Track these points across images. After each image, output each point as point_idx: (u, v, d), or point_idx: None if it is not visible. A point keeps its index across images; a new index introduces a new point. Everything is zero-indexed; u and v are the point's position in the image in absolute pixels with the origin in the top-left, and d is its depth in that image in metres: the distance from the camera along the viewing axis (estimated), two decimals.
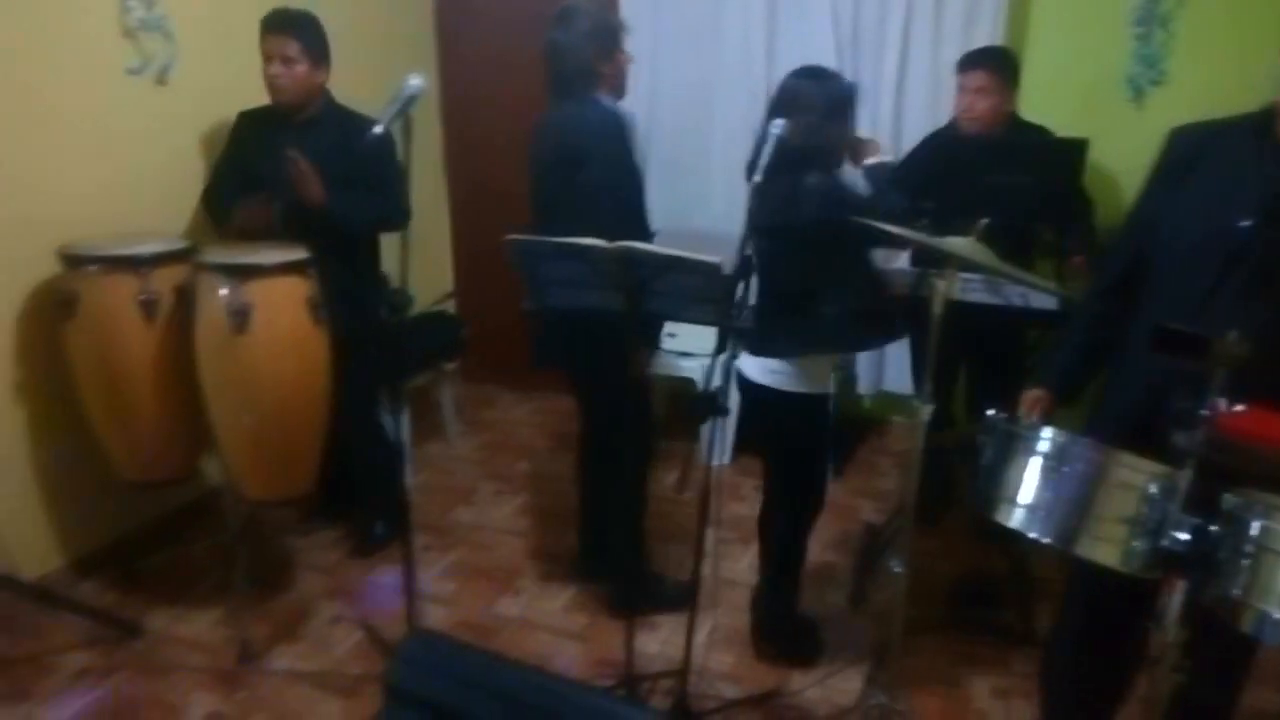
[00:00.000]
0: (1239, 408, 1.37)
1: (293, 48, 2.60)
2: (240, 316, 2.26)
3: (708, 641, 2.52)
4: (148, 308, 2.37)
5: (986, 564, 2.90)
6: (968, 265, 1.75)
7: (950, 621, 2.68)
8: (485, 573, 2.94)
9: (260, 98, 2.73)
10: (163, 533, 2.97)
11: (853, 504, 3.37)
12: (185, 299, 2.37)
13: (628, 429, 2.33)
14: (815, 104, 2.12)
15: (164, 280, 2.38)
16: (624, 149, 2.33)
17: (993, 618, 2.69)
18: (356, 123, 2.60)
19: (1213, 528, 1.41)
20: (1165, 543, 1.43)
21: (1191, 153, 1.72)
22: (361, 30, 3.49)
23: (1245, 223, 1.56)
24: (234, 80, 3.01)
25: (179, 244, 2.48)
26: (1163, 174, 1.77)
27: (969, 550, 3.01)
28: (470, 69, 4.16)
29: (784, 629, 2.53)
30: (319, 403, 2.48)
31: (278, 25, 2.61)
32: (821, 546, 3.09)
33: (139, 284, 2.36)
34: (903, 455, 3.53)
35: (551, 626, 2.67)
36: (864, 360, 3.79)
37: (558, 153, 2.34)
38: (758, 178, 1.88)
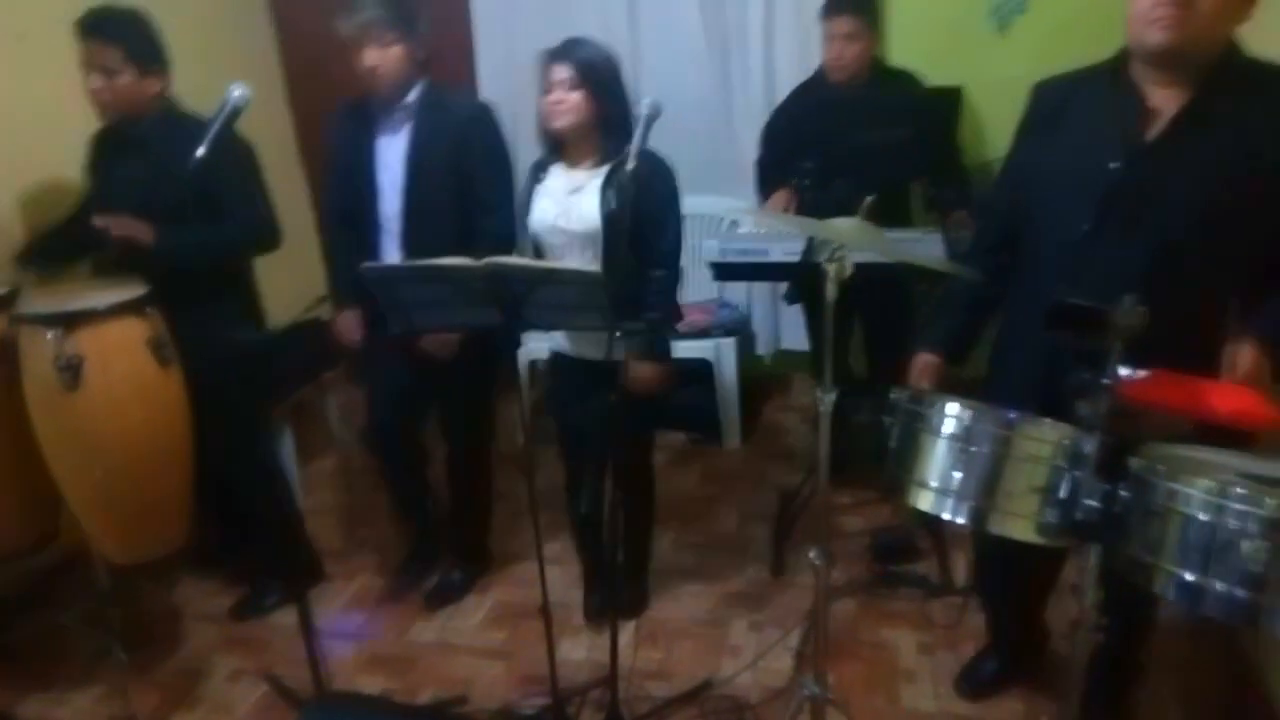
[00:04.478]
0: (1141, 373, 1.34)
1: (113, 55, 2.21)
2: (70, 371, 1.99)
3: (634, 640, 2.45)
4: None
5: (897, 516, 2.92)
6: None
7: (869, 579, 2.69)
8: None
9: (70, 115, 2.39)
10: (21, 606, 2.66)
11: (762, 468, 3.34)
12: (5, 355, 2.09)
13: None
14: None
15: None
16: None
17: (911, 571, 2.71)
18: (192, 132, 2.00)
19: (1122, 492, 1.39)
20: (1079, 513, 1.41)
21: (1056, 104, 1.77)
22: (189, 24, 3.14)
23: (1114, 164, 1.60)
24: (33, 99, 2.68)
25: None
26: (1030, 126, 1.83)
27: (877, 503, 3.02)
28: (313, 48, 3.82)
29: None
30: (177, 451, 2.22)
31: (94, 29, 2.21)
32: (740, 518, 3.06)
33: None
34: (805, 411, 3.52)
35: (471, 647, 2.53)
36: (760, 320, 3.75)
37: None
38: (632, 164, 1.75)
